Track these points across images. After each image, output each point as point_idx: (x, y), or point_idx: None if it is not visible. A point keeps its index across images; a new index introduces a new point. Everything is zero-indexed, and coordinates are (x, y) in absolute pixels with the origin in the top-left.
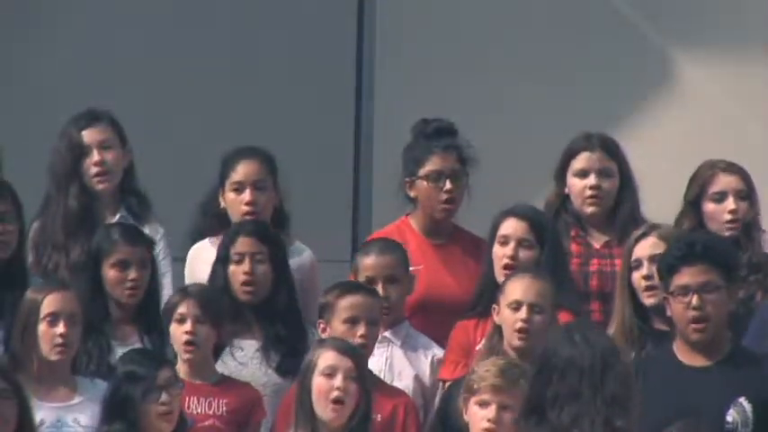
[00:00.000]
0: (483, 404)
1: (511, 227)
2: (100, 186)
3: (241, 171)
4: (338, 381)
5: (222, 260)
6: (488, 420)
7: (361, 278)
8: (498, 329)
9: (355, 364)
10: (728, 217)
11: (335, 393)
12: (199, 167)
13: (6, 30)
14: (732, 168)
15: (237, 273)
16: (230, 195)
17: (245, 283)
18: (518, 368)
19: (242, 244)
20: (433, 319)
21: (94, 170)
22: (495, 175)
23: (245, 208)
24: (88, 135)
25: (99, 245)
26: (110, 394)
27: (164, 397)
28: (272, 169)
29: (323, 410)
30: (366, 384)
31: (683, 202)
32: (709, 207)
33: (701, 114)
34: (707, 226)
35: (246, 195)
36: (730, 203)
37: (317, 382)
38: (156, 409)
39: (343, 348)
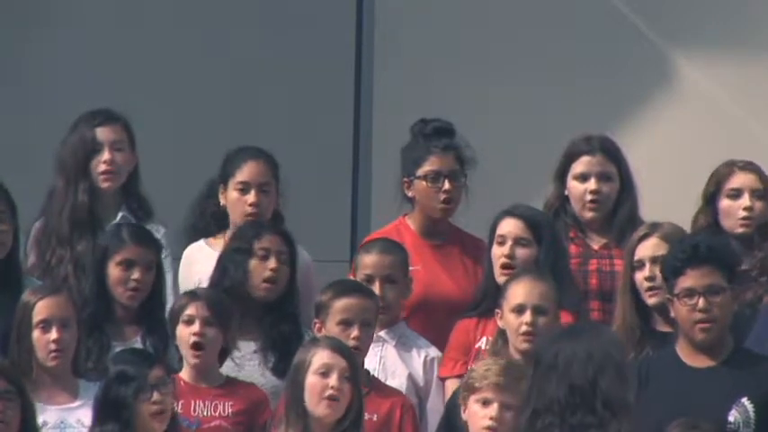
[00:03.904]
0: (485, 402)
1: (507, 226)
2: (105, 185)
3: (247, 171)
4: (333, 380)
5: (241, 252)
6: (490, 419)
7: (360, 276)
8: (502, 334)
9: (349, 363)
10: (743, 214)
11: (330, 392)
12: (199, 168)
13: (6, 30)
14: (750, 167)
15: (261, 268)
16: (234, 195)
17: (267, 280)
18: (519, 367)
19: (269, 240)
20: (431, 320)
21: (103, 168)
22: (494, 175)
23: (249, 209)
24: (102, 133)
25: (107, 243)
26: (101, 394)
27: (155, 396)
28: (276, 172)
29: (316, 407)
30: (359, 385)
31: (700, 199)
32: (724, 203)
33: (701, 114)
34: (721, 223)
35: (251, 197)
36: (746, 200)
37: (311, 380)
38: (148, 408)
39: (338, 348)
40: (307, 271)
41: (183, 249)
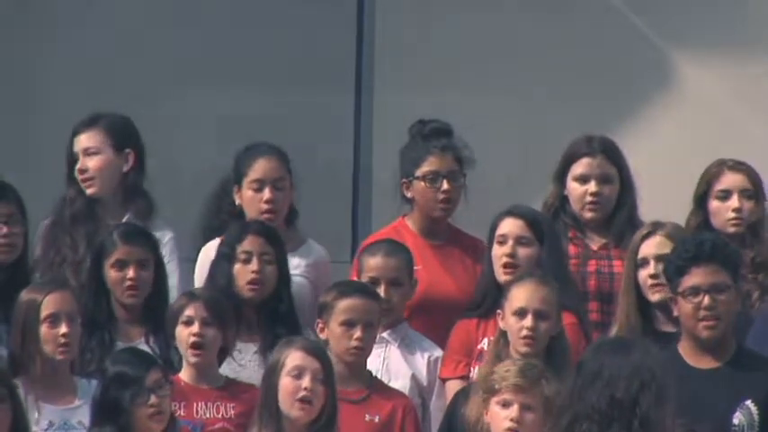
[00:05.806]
0: (505, 404)
1: (508, 225)
2: (89, 191)
3: (260, 169)
4: (306, 381)
5: (226, 258)
6: (511, 420)
7: (365, 278)
8: (504, 335)
9: (323, 365)
10: (732, 215)
11: (303, 393)
12: (199, 168)
13: (7, 30)
14: (739, 167)
15: (244, 271)
16: (248, 193)
17: (252, 282)
18: (537, 368)
19: (251, 243)
20: (432, 320)
21: (79, 176)
22: (494, 175)
23: (265, 206)
24: (78, 142)
25: (101, 245)
26: (99, 395)
27: (153, 399)
28: (288, 168)
29: (289, 409)
30: (333, 386)
31: (692, 199)
32: (713, 204)
33: (701, 115)
34: (712, 223)
35: (267, 194)
36: (734, 201)
37: (284, 382)
38: (145, 411)
39: (311, 349)
40: (323, 267)
41: (198, 250)
